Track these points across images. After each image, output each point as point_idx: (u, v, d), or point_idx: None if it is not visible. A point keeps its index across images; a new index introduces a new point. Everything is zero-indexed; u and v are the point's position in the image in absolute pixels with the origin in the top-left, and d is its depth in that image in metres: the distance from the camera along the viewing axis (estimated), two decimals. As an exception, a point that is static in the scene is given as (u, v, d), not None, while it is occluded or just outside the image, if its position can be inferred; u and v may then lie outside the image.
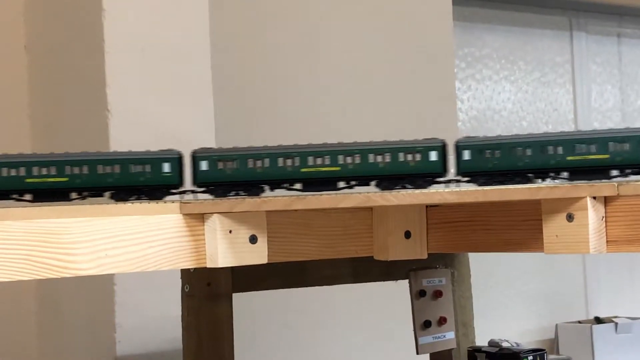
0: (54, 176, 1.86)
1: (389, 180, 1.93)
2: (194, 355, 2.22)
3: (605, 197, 1.73)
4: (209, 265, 1.73)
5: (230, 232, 1.72)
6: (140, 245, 1.67)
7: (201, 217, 1.73)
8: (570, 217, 1.73)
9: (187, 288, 2.24)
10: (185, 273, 2.24)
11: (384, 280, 2.44)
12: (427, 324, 2.45)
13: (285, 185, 1.94)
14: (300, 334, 3.71)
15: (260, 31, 3.68)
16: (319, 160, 1.92)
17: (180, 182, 1.93)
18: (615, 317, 4.93)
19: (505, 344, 2.57)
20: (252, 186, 1.93)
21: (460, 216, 2.05)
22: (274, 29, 3.71)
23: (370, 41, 3.94)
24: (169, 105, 2.93)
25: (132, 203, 1.83)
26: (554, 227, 1.75)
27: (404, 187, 1.92)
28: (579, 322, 4.94)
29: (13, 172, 1.85)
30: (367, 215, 2.05)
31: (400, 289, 2.50)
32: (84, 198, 1.91)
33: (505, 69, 5.05)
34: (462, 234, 2.06)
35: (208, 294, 2.21)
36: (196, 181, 1.94)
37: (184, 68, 2.96)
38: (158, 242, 1.70)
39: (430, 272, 2.48)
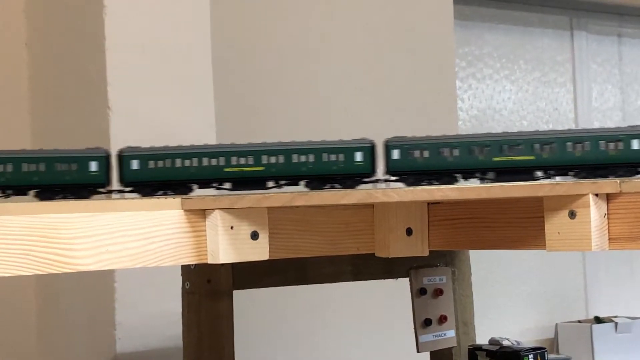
0: None
1: (318, 180, 1.93)
2: (194, 352, 2.22)
3: (607, 195, 1.73)
4: (210, 261, 1.73)
5: (231, 228, 1.72)
6: (141, 241, 1.67)
7: (202, 213, 1.72)
8: (572, 215, 1.73)
9: (187, 285, 2.24)
10: (185, 270, 2.24)
11: (384, 278, 2.44)
12: (427, 322, 2.45)
13: (214, 184, 1.93)
14: (300, 331, 3.71)
15: (262, 29, 3.68)
16: (242, 160, 1.92)
17: (107, 181, 1.91)
18: (615, 316, 4.93)
19: (505, 343, 2.57)
20: (180, 185, 1.93)
21: (462, 213, 2.05)
22: (276, 28, 3.71)
23: (371, 40, 3.94)
24: (169, 103, 2.93)
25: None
26: (555, 225, 1.75)
27: (333, 187, 1.92)
28: (579, 321, 4.94)
29: None
30: (368, 212, 2.05)
31: (400, 287, 2.50)
32: (7, 196, 1.90)
33: (506, 68, 5.05)
34: (463, 231, 2.06)
35: (208, 291, 2.21)
36: (125, 180, 1.92)
37: (185, 66, 2.96)
38: (159, 238, 1.69)
39: (431, 271, 2.48)
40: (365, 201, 1.77)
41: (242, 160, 1.92)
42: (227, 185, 1.94)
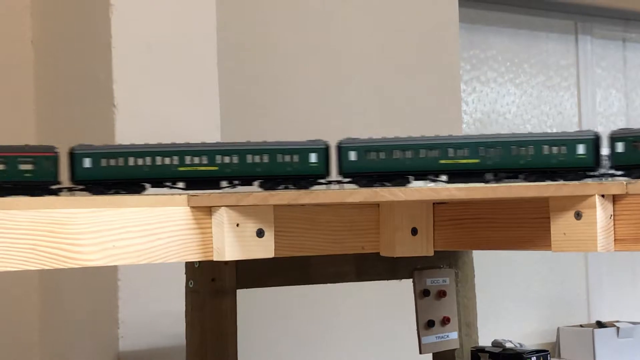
0: None
1: (272, 181, 1.93)
2: (198, 351, 2.22)
3: (613, 196, 1.73)
4: (216, 258, 1.73)
5: (237, 225, 1.72)
6: (147, 237, 1.67)
7: (208, 210, 1.73)
8: (578, 215, 1.73)
9: (191, 284, 2.24)
10: (189, 268, 2.24)
11: (387, 279, 2.44)
12: (430, 324, 2.45)
13: (167, 183, 1.93)
14: (303, 330, 3.71)
15: (268, 29, 3.68)
16: (196, 160, 1.92)
17: (57, 179, 1.88)
18: (617, 321, 4.92)
19: (508, 345, 2.57)
20: (133, 184, 1.91)
21: (467, 213, 2.05)
22: (282, 28, 3.71)
23: (376, 42, 3.94)
24: (175, 102, 2.93)
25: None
26: (561, 225, 1.75)
27: (287, 188, 1.92)
28: (581, 325, 4.93)
29: None
30: (374, 211, 2.05)
31: (403, 288, 2.49)
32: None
33: (510, 72, 5.05)
34: (468, 232, 2.06)
35: (212, 289, 2.21)
36: (76, 178, 1.90)
37: (191, 64, 2.96)
38: (165, 235, 1.69)
39: (434, 272, 2.48)
40: (371, 200, 1.76)
41: (196, 160, 1.91)
42: (181, 184, 1.92)
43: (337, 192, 1.80)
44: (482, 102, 4.94)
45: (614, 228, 1.73)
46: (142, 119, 2.87)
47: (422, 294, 2.46)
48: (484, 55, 4.95)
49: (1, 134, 3.17)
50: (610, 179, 1.87)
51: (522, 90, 5.08)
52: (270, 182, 1.92)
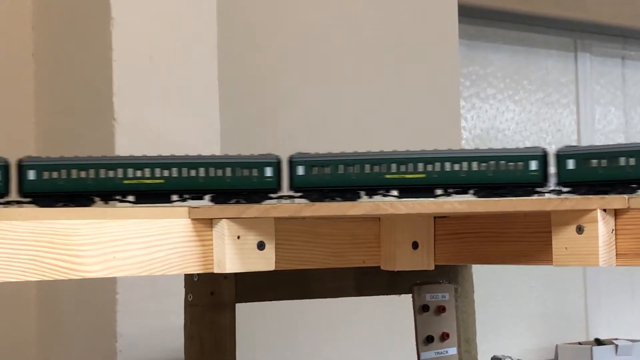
0: None
1: (222, 194, 1.91)
2: (196, 364, 2.21)
3: (615, 210, 1.73)
4: (217, 270, 1.73)
5: (238, 237, 1.71)
6: (148, 249, 1.67)
7: (209, 222, 1.72)
8: (580, 230, 1.73)
9: (190, 297, 2.23)
10: (188, 282, 2.23)
11: (387, 294, 2.44)
12: (429, 339, 2.44)
13: (117, 197, 1.90)
14: (302, 345, 3.71)
15: (268, 41, 3.69)
16: (139, 173, 1.90)
17: (6, 192, 1.86)
18: (616, 338, 4.91)
19: (507, 360, 2.57)
20: (81, 197, 1.89)
21: (468, 228, 2.05)
22: (282, 39, 3.72)
23: (376, 58, 3.94)
24: (175, 115, 2.93)
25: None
26: (563, 239, 1.75)
27: (238, 202, 1.91)
28: (579, 343, 4.92)
29: None
30: (374, 225, 2.05)
31: (403, 303, 2.49)
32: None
33: (510, 88, 5.06)
34: (469, 246, 2.05)
35: (211, 303, 2.21)
36: (24, 190, 1.88)
37: (192, 77, 2.97)
38: (166, 246, 1.69)
39: (434, 287, 2.47)
40: (372, 213, 1.76)
41: (142, 173, 1.89)
42: (130, 197, 1.89)
43: (338, 205, 1.79)
44: (481, 119, 4.94)
45: (616, 242, 1.73)
46: (142, 131, 2.86)
47: (421, 309, 2.45)
48: (483, 72, 4.96)
49: (1, 147, 3.16)
50: (562, 195, 1.88)
51: (521, 107, 5.09)
52: (220, 195, 1.91)
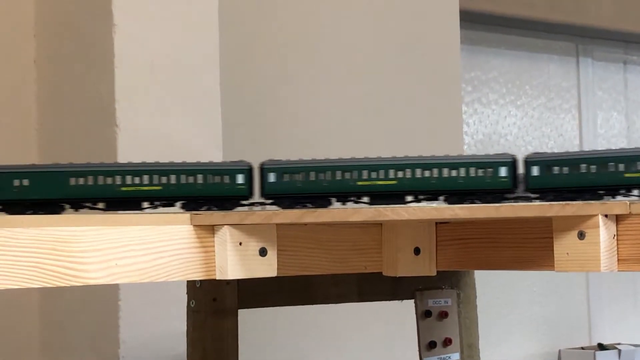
0: None
1: (195, 202, 1.92)
2: (199, 371, 2.21)
3: (617, 216, 1.73)
4: (219, 277, 1.73)
5: (240, 244, 1.71)
6: (150, 256, 1.67)
7: (211, 229, 1.72)
8: (581, 235, 1.73)
9: (192, 303, 2.23)
10: (191, 288, 2.23)
11: (389, 300, 2.44)
12: (432, 345, 2.44)
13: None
14: (305, 351, 3.70)
15: (270, 48, 3.69)
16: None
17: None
18: (619, 343, 4.91)
19: (511, 366, 2.56)
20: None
21: (470, 233, 2.05)
22: (284, 46, 3.72)
23: (377, 63, 3.95)
24: (177, 121, 2.93)
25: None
26: (564, 245, 1.75)
27: (210, 209, 1.92)
28: (582, 348, 4.92)
29: None
30: (376, 230, 2.05)
31: (405, 309, 2.49)
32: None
33: (512, 93, 5.06)
34: (471, 251, 2.05)
35: (214, 309, 2.21)
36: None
37: (193, 84, 2.97)
38: (168, 253, 1.69)
39: (436, 293, 2.47)
40: (374, 219, 1.76)
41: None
42: (101, 205, 1.90)
43: (340, 211, 1.80)
44: (483, 124, 4.94)
45: (617, 248, 1.73)
46: (144, 138, 2.87)
47: (423, 314, 2.45)
48: (485, 77, 4.96)
49: (4, 154, 3.17)
50: (531, 201, 1.89)
51: (523, 112, 5.09)
52: (193, 203, 1.91)
